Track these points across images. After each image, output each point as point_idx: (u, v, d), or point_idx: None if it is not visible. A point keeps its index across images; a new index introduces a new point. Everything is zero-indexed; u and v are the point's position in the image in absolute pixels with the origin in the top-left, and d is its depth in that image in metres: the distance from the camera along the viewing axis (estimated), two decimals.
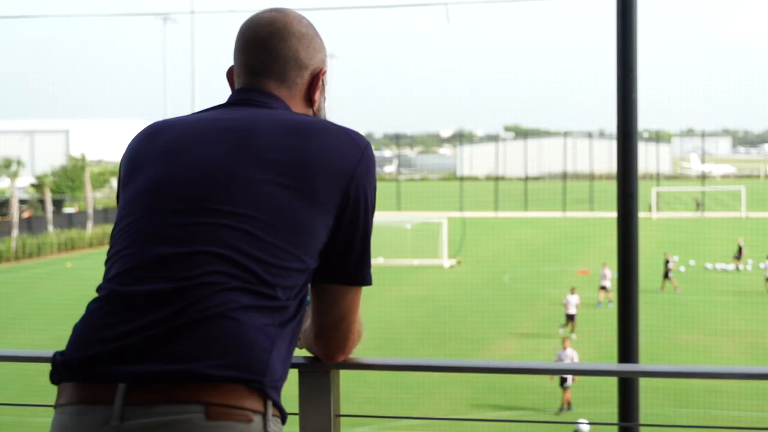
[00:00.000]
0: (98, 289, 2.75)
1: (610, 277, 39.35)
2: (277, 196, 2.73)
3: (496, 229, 69.72)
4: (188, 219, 2.71)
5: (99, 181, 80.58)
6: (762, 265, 46.75)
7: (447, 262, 53.02)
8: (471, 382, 27.51)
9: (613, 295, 39.28)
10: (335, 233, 2.84)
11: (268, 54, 2.98)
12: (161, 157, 2.85)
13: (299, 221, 2.74)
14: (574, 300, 33.04)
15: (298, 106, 3.00)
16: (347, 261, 2.89)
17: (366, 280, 2.95)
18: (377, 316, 35.89)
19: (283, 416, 2.71)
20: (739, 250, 50.20)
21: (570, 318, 33.19)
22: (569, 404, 24.82)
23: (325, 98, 3.10)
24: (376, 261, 50.45)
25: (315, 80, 3.02)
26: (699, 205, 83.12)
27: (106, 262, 2.82)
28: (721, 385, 27.22)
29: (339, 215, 2.82)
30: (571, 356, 25.71)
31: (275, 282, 2.68)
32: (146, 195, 2.80)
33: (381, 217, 63.39)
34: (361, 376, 26.96)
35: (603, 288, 39.40)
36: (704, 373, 3.13)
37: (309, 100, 3.03)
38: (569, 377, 25.16)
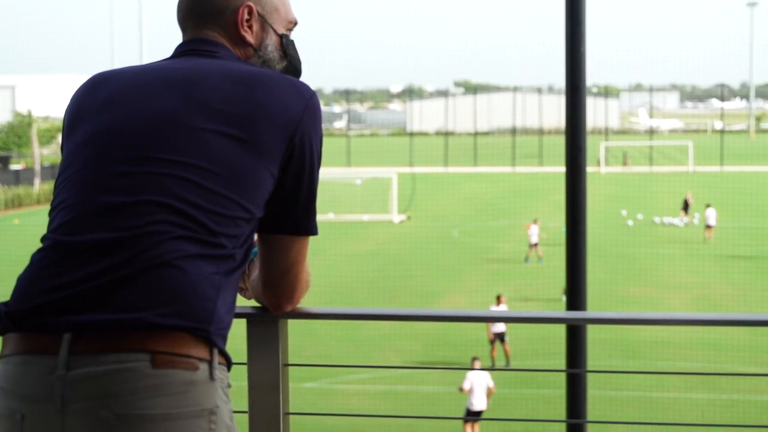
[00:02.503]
0: (43, 240, 2.72)
1: (537, 233, 39.83)
2: (222, 145, 2.71)
3: (445, 184, 69.89)
4: (133, 168, 2.69)
5: (46, 138, 79.80)
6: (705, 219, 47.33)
7: (397, 218, 53.11)
8: (420, 336, 27.67)
9: (542, 250, 39.87)
10: (281, 183, 2.83)
11: (205, 3, 2.96)
12: (106, 107, 2.82)
13: (244, 171, 2.72)
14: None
15: (238, 50, 2.98)
16: (293, 211, 2.88)
17: (312, 229, 2.94)
18: (327, 271, 35.93)
19: (229, 364, 2.71)
20: (686, 204, 50.68)
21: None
22: (507, 358, 25.14)
23: (285, 36, 3.05)
24: (326, 216, 50.46)
25: (239, 18, 2.97)
26: (626, 160, 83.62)
27: (50, 213, 2.79)
28: (668, 337, 27.55)
29: (284, 165, 2.81)
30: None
31: (221, 231, 2.67)
32: (90, 145, 2.77)
33: (331, 173, 63.37)
34: (310, 331, 27.02)
35: (533, 245, 39.83)
36: (650, 319, 3.16)
37: (241, 40, 2.99)
38: (505, 332, 25.43)
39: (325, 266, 36.56)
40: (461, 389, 20.34)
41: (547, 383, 23.01)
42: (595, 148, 79.24)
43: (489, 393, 20.47)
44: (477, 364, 21.01)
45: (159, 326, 2.55)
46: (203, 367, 2.59)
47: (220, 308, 2.65)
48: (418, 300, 32.32)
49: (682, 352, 26.03)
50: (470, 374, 20.31)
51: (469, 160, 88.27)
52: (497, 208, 53.79)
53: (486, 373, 20.13)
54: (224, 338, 2.68)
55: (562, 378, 8.98)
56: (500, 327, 25.68)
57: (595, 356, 23.92)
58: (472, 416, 19.97)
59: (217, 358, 2.63)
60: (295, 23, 3.09)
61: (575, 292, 7.17)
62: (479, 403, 20.23)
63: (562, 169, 9.18)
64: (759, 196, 58.57)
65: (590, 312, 3.12)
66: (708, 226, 45.02)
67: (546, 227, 44.78)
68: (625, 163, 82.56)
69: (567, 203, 8.85)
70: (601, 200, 55.43)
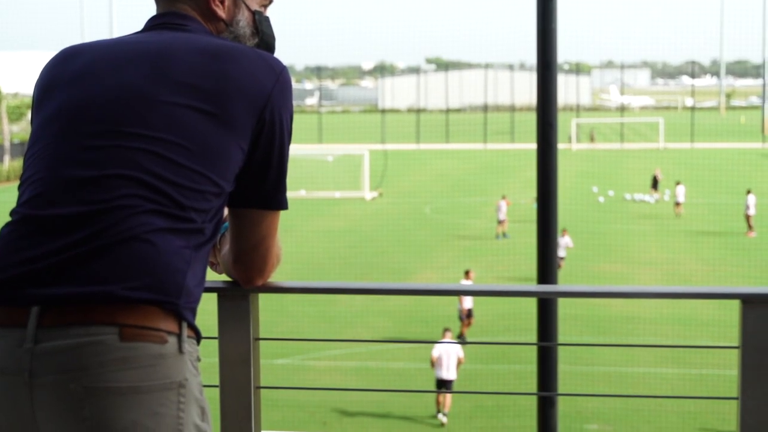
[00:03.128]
0: (11, 214, 2.72)
1: (505, 209, 40.11)
2: (191, 119, 2.71)
3: (417, 161, 69.89)
4: (102, 142, 2.68)
5: (16, 115, 79.23)
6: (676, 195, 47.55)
7: (369, 194, 53.10)
8: (392, 312, 27.72)
9: (508, 227, 40.05)
10: (251, 157, 2.82)
11: None
12: (75, 81, 2.81)
13: (214, 145, 2.72)
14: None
15: (209, 25, 2.97)
16: (263, 185, 2.88)
17: (282, 204, 2.94)
18: (299, 248, 35.91)
19: (198, 337, 2.71)
20: (655, 180, 50.88)
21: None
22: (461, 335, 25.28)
23: (258, 12, 3.04)
24: (298, 193, 50.41)
25: None
26: (594, 136, 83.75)
27: (19, 187, 2.79)
28: (638, 312, 27.70)
29: (254, 139, 2.81)
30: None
31: (190, 205, 2.67)
32: (59, 119, 2.76)
33: (302, 150, 63.27)
34: (282, 308, 27.03)
35: (501, 221, 40.04)
36: (619, 292, 3.17)
37: (212, 14, 2.98)
38: (468, 307, 25.57)
39: (296, 243, 36.54)
40: (432, 359, 20.45)
41: (518, 359, 23.12)
42: (567, 125, 79.40)
43: (459, 363, 20.58)
44: (448, 335, 21.12)
45: (128, 299, 2.55)
46: (172, 340, 2.59)
47: (190, 282, 2.65)
48: (390, 277, 32.38)
49: (653, 328, 26.18)
50: (440, 345, 20.38)
51: (441, 136, 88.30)
52: (469, 185, 53.87)
53: (456, 345, 20.23)
54: (193, 312, 2.68)
55: (533, 354, 9.02)
56: (468, 303, 25.80)
57: (566, 332, 24.05)
58: (442, 385, 20.22)
59: (186, 331, 2.63)
60: (271, 0, 3.09)
61: (546, 267, 7.20)
62: (449, 373, 20.36)
63: (534, 145, 9.19)
64: (729, 173, 58.86)
65: (561, 285, 3.14)
66: (677, 203, 45.28)
67: (517, 204, 44.91)
68: (592, 140, 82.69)
69: (538, 179, 8.87)
70: (573, 177, 55.61)
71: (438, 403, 20.41)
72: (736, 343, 3.21)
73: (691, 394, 21.17)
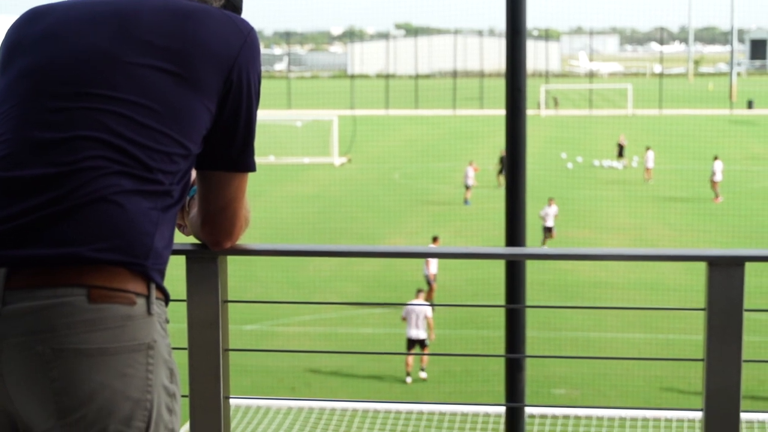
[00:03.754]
0: None
1: (473, 176, 40.35)
2: (158, 80, 2.69)
3: (386, 127, 69.82)
4: (69, 104, 2.66)
5: None
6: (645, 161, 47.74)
7: (337, 160, 53.05)
8: (360, 278, 27.78)
9: (473, 193, 40.21)
10: (218, 119, 2.81)
11: None
12: (41, 42, 2.78)
13: (181, 106, 2.70)
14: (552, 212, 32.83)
15: None
16: (231, 147, 2.87)
17: (250, 166, 2.94)
18: (268, 213, 35.87)
19: (166, 299, 2.71)
20: (620, 147, 51.07)
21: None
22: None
23: None
24: (267, 159, 50.30)
25: None
26: (557, 103, 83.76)
27: None
28: (606, 278, 27.87)
29: (221, 100, 2.80)
30: (430, 259, 26.07)
31: (157, 167, 2.65)
32: (25, 80, 2.74)
33: (271, 115, 63.07)
34: (250, 274, 27.03)
35: (468, 186, 40.28)
36: (588, 255, 3.19)
37: None
38: (433, 273, 25.67)
39: (265, 209, 36.49)
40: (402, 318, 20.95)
41: (486, 324, 23.23)
42: (536, 91, 79.49)
43: (428, 324, 20.87)
44: (421, 297, 21.32)
45: (96, 261, 2.53)
46: (140, 302, 2.59)
47: (158, 243, 2.64)
48: (358, 242, 32.42)
49: (620, 294, 26.36)
50: (408, 306, 20.65)
51: (410, 102, 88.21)
52: (438, 151, 53.90)
53: (425, 306, 20.51)
54: (162, 273, 2.68)
55: (501, 319, 9.08)
56: (433, 269, 25.90)
57: (534, 298, 24.15)
58: (413, 345, 20.61)
59: (154, 293, 2.63)
60: None
61: (514, 231, 7.23)
62: (418, 331, 20.70)
63: (503, 111, 9.20)
64: (696, 139, 59.11)
65: (529, 248, 3.16)
66: (647, 168, 45.52)
67: (486, 170, 45.02)
68: (556, 105, 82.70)
69: (507, 145, 8.90)
70: (541, 143, 55.73)
71: (407, 365, 20.59)
72: (702, 306, 3.23)
73: (658, 357, 21.33)
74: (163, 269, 2.68)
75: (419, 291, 21.71)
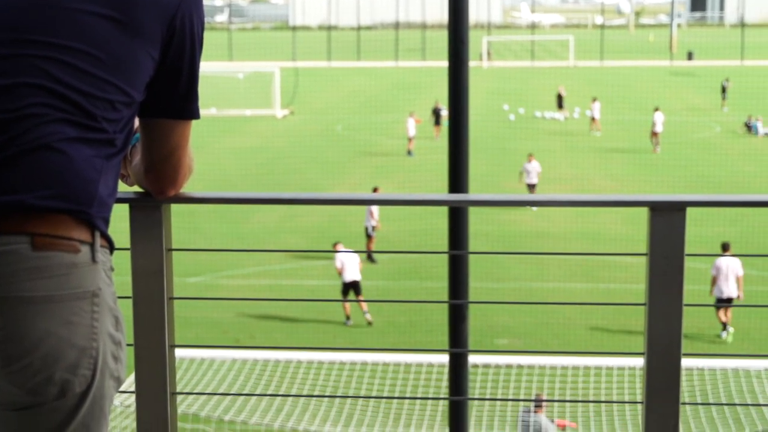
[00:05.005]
0: None
1: (414, 125, 40.62)
2: (100, 27, 2.66)
3: (328, 79, 69.58)
4: (10, 51, 2.62)
5: None
6: (588, 113, 47.98)
7: (280, 112, 52.83)
8: (304, 230, 27.78)
9: (417, 144, 40.35)
10: (161, 66, 2.79)
11: None
12: None
13: (123, 53, 2.67)
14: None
15: None
16: (174, 95, 2.85)
17: (194, 113, 2.92)
18: (210, 166, 35.71)
19: (111, 247, 2.69)
20: (560, 98, 51.27)
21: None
22: (371, 256, 25.53)
23: None
24: (209, 111, 49.97)
25: None
26: (490, 54, 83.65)
27: None
28: (548, 228, 28.07)
29: (164, 48, 2.77)
30: (371, 211, 26.11)
31: (100, 114, 2.63)
32: None
33: (212, 67, 62.59)
34: (194, 226, 26.93)
35: (411, 138, 40.47)
36: (531, 201, 3.21)
37: None
38: (375, 225, 25.79)
39: (208, 161, 36.32)
40: (336, 270, 21.75)
41: (429, 275, 23.32)
42: (478, 43, 79.44)
43: (361, 269, 21.79)
44: (339, 247, 21.96)
45: (39, 208, 2.51)
46: (85, 249, 2.57)
47: (102, 191, 2.62)
48: None
49: (562, 244, 26.56)
50: (339, 255, 21.52)
51: (353, 54, 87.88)
52: (381, 103, 53.83)
53: (354, 253, 20.96)
54: (106, 221, 2.66)
55: (444, 271, 9.11)
56: (374, 220, 25.98)
57: (476, 248, 24.28)
58: (350, 288, 21.46)
59: (99, 240, 2.61)
60: None
61: (457, 181, 7.25)
62: (352, 274, 21.45)
63: (445, 63, 9.20)
64: (637, 90, 59.48)
65: (471, 194, 3.17)
66: (593, 119, 45.76)
67: (428, 122, 45.03)
68: (489, 58, 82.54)
69: (449, 95, 8.90)
70: (483, 95, 55.82)
71: (346, 308, 21.30)
72: (644, 252, 3.27)
73: (599, 308, 21.58)
74: (108, 217, 2.66)
75: (336, 244, 22.45)
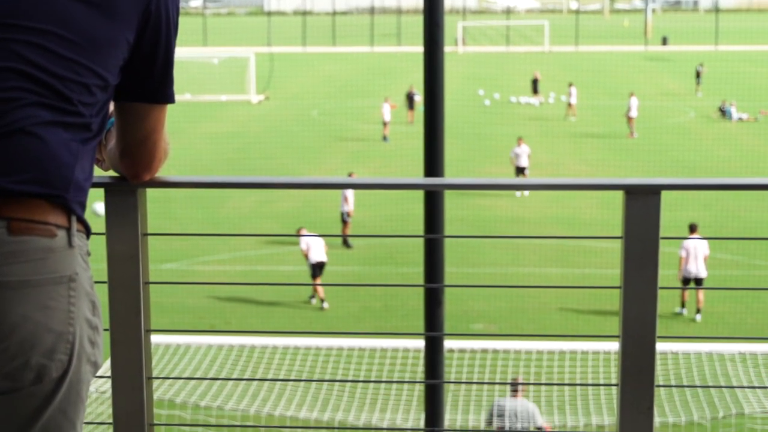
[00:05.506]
0: None
1: (389, 111, 40.72)
2: (75, 10, 2.65)
3: (304, 64, 69.45)
4: None
5: None
6: (564, 98, 48.08)
7: (255, 98, 52.71)
8: (279, 216, 27.78)
9: (392, 129, 40.38)
10: (137, 50, 2.78)
11: None
12: None
13: (98, 36, 2.66)
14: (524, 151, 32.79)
15: None
16: (150, 79, 2.85)
17: (169, 98, 2.92)
18: (185, 152, 35.64)
19: (87, 231, 2.68)
20: (535, 83, 51.33)
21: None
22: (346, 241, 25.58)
23: None
24: (183, 97, 49.82)
25: None
26: (465, 40, 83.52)
27: None
28: (523, 214, 28.13)
29: (140, 31, 2.76)
30: (346, 196, 26.11)
31: (75, 98, 2.62)
32: None
33: (187, 53, 62.39)
34: (169, 212, 26.88)
35: (386, 123, 40.49)
36: (506, 185, 3.22)
37: None
38: (350, 210, 25.80)
39: (183, 147, 36.24)
40: (302, 252, 22.21)
41: (405, 261, 23.36)
42: (453, 28, 79.41)
43: (326, 249, 22.08)
44: (303, 232, 22.10)
45: (15, 193, 2.50)
46: (61, 234, 2.57)
47: (78, 175, 2.62)
48: None
49: (537, 229, 26.62)
50: (305, 238, 21.71)
51: (328, 39, 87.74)
52: (356, 88, 53.78)
53: (319, 241, 21.83)
54: (83, 206, 2.65)
55: (420, 256, 9.13)
56: (350, 206, 25.95)
57: (452, 234, 24.31)
58: (316, 269, 21.78)
59: (75, 225, 2.61)
60: None
61: (433, 166, 7.26)
62: (318, 255, 21.77)
63: (421, 48, 9.20)
64: (612, 75, 59.62)
65: (447, 178, 3.18)
66: (570, 104, 45.84)
67: (403, 107, 45.02)
68: (465, 43, 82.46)
69: (425, 80, 8.89)
70: (459, 80, 55.84)
71: (317, 291, 21.72)
72: (618, 241, 3.28)
73: (575, 292, 21.65)
74: (84, 202, 2.66)
75: (300, 228, 22.69)
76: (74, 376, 2.59)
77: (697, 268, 20.80)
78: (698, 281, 20.78)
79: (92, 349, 2.63)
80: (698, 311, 20.64)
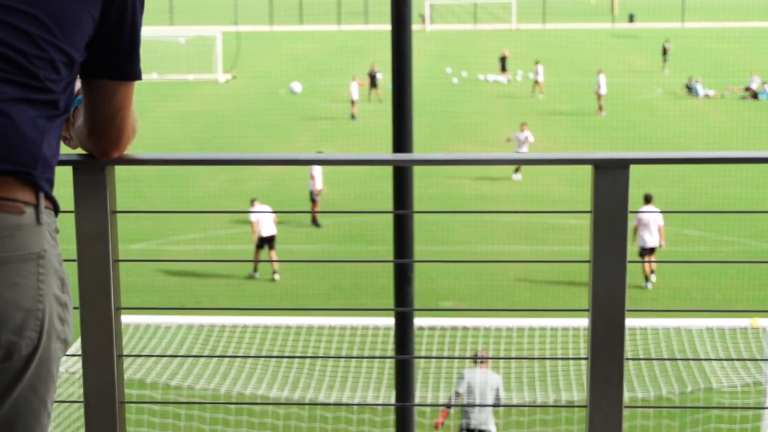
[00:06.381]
0: None
1: (357, 89, 40.72)
2: None
3: (271, 43, 69.22)
4: None
5: None
6: (531, 76, 48.15)
7: (222, 77, 52.52)
8: (247, 195, 27.66)
9: (360, 108, 40.44)
10: (102, 26, 2.75)
11: None
12: None
13: (62, 12, 2.64)
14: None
15: None
16: (116, 55, 2.83)
17: (136, 74, 2.89)
18: (153, 132, 35.48)
19: (56, 209, 2.67)
20: (503, 60, 51.34)
21: None
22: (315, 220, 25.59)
23: None
24: (150, 76, 49.57)
25: None
26: (432, 18, 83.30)
27: None
28: (492, 192, 28.19)
29: (105, 7, 2.74)
30: (315, 174, 26.09)
31: (41, 75, 2.60)
32: None
33: (153, 32, 62.04)
34: (137, 192, 26.78)
35: (354, 101, 40.49)
36: (473, 160, 3.23)
37: None
38: (319, 189, 25.81)
39: (150, 127, 36.08)
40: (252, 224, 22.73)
41: (374, 239, 23.38)
42: (420, 6, 79.29)
43: (275, 221, 22.57)
44: (256, 203, 22.85)
45: None
46: (29, 211, 2.55)
47: (45, 152, 2.60)
48: None
49: (506, 206, 26.69)
50: (253, 215, 22.37)
51: (295, 18, 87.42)
52: (323, 67, 53.68)
53: (269, 214, 22.24)
54: (50, 182, 2.63)
55: (390, 235, 9.13)
56: (319, 184, 25.91)
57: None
58: (265, 242, 22.35)
59: (43, 202, 2.59)
60: None
61: (401, 143, 7.26)
62: (268, 230, 22.31)
63: (388, 27, 9.19)
64: (579, 52, 59.72)
65: (416, 154, 3.18)
66: (537, 82, 45.92)
67: (367, 86, 44.98)
68: (432, 21, 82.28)
69: (392, 57, 8.89)
70: (426, 58, 55.77)
71: (255, 264, 22.33)
72: (587, 218, 3.30)
73: (544, 268, 21.74)
74: (51, 179, 2.64)
75: (253, 200, 23.11)
76: (44, 353, 2.58)
77: (652, 238, 21.42)
78: (653, 251, 21.42)
79: (62, 326, 2.62)
80: (647, 279, 21.25)
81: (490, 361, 14.66)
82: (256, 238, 22.37)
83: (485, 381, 13.88)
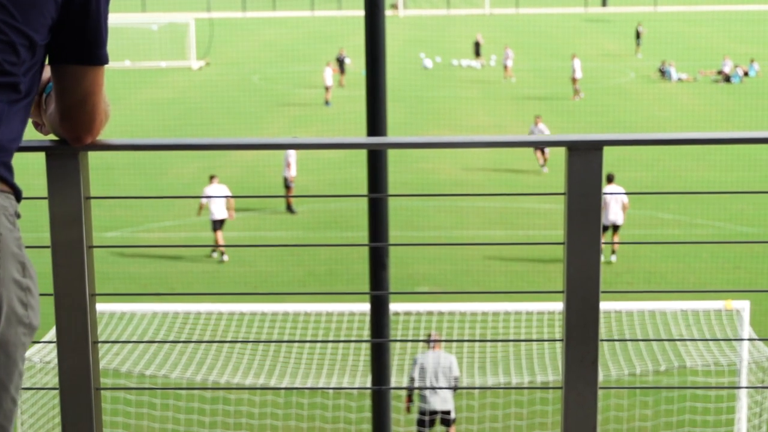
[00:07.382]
0: None
1: (331, 75, 40.68)
2: None
3: (244, 30, 69.00)
4: None
5: None
6: (502, 60, 48.19)
7: (195, 64, 52.32)
8: (222, 182, 27.62)
9: (336, 94, 40.49)
10: (66, 10, 2.72)
11: None
12: None
13: None
14: None
15: None
16: (83, 39, 2.79)
17: (103, 59, 2.86)
18: (126, 119, 35.34)
19: (16, 193, 2.63)
20: (477, 45, 51.34)
21: None
22: (290, 206, 25.56)
23: None
24: (123, 64, 49.33)
25: None
26: (405, 3, 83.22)
27: None
28: (466, 178, 28.22)
29: None
30: (289, 161, 26.03)
31: (1, 58, 2.57)
32: None
33: (125, 19, 61.73)
34: (110, 180, 26.68)
35: (328, 87, 40.45)
36: (448, 143, 3.22)
37: None
38: (293, 176, 25.78)
39: (123, 115, 35.93)
40: (200, 205, 23.36)
41: (350, 226, 23.37)
42: None
43: (229, 207, 22.91)
44: (215, 180, 23.13)
45: None
46: None
47: (4, 137, 2.57)
48: None
49: (481, 191, 26.71)
50: (206, 192, 22.78)
51: (268, 4, 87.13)
52: (297, 53, 53.53)
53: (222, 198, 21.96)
54: (7, 166, 2.59)
55: (365, 221, 9.13)
56: (293, 171, 25.87)
57: (395, 198, 24.34)
58: (216, 224, 22.69)
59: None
60: None
61: (376, 128, 7.26)
62: (220, 213, 22.70)
63: (362, 12, 9.19)
64: (553, 37, 59.77)
65: (390, 137, 3.18)
66: (506, 67, 45.95)
67: (347, 71, 44.91)
68: (405, 6, 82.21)
69: (366, 43, 8.89)
70: (400, 44, 55.73)
71: (216, 242, 22.38)
72: (561, 201, 3.30)
73: (518, 255, 21.79)
74: (8, 162, 2.59)
75: (212, 177, 23.32)
76: (3, 338, 2.52)
77: (615, 215, 21.91)
78: (615, 228, 21.98)
79: (24, 311, 2.55)
80: (613, 252, 21.95)
81: (443, 342, 14.71)
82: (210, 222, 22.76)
83: (438, 362, 13.94)
